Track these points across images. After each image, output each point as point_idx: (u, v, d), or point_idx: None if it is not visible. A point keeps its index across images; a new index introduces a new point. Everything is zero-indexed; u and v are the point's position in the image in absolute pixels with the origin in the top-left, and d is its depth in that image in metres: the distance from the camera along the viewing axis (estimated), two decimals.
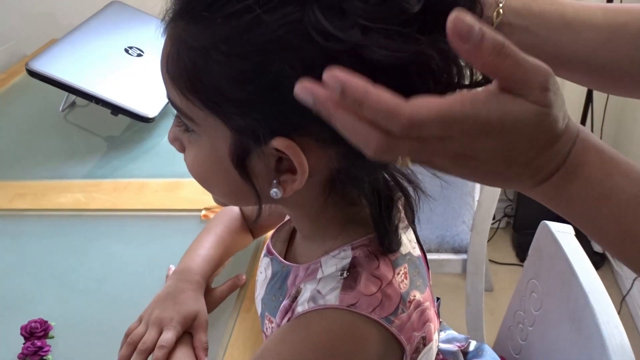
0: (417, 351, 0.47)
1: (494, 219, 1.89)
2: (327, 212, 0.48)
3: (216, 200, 0.50)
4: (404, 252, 0.48)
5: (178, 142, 0.47)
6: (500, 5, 0.49)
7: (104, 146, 1.19)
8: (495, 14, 0.49)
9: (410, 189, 0.49)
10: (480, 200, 1.22)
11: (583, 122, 1.79)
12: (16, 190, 1.01)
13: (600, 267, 1.84)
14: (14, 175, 1.07)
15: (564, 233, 0.74)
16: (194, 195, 0.93)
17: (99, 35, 1.30)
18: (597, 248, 1.84)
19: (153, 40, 1.47)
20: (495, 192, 1.21)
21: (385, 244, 0.46)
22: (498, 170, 0.34)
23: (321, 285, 0.46)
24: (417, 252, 0.51)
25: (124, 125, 1.21)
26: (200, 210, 0.89)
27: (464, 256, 1.28)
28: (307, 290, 0.47)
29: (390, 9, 0.34)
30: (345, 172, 0.43)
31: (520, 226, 1.92)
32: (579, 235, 0.73)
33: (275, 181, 0.41)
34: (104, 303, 0.76)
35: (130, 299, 0.76)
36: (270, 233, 0.61)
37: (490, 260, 1.86)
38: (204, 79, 0.38)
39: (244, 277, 0.75)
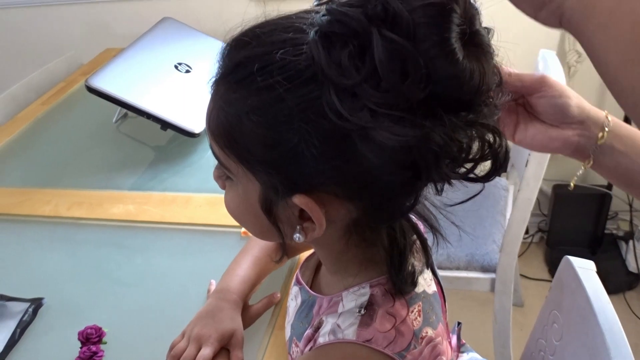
0: None
1: (527, 233, 1.90)
2: (348, 252, 0.52)
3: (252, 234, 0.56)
4: (418, 291, 0.53)
5: (220, 181, 0.53)
6: (607, 129, 0.56)
7: (152, 157, 1.27)
8: (600, 134, 0.56)
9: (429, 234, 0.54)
10: (510, 221, 1.24)
11: None
12: (74, 198, 1.10)
13: (634, 287, 1.83)
14: (71, 184, 1.16)
15: (585, 269, 0.77)
16: None
17: (150, 52, 1.38)
18: (632, 267, 1.82)
19: (201, 57, 1.56)
20: (526, 213, 1.23)
21: (397, 287, 0.51)
22: None
23: (341, 319, 0.51)
24: (432, 288, 0.56)
25: (171, 136, 1.29)
26: (240, 227, 0.96)
27: (492, 275, 1.30)
28: (328, 323, 0.52)
29: (397, 96, 0.38)
30: (363, 221, 0.48)
31: (553, 242, 1.92)
32: (603, 270, 0.76)
33: (298, 227, 0.47)
34: (151, 312, 0.84)
35: (175, 309, 0.83)
36: (303, 254, 0.67)
37: (521, 275, 1.87)
38: (238, 139, 0.44)
39: (278, 295, 0.80)
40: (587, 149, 0.57)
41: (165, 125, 1.20)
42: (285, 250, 0.51)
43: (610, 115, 0.58)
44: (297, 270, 0.65)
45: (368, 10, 0.38)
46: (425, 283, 0.55)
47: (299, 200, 0.44)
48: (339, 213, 0.46)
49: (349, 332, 0.49)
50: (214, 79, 0.46)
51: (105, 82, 1.21)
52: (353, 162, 0.41)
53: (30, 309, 0.84)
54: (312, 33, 0.40)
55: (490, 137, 0.42)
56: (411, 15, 0.37)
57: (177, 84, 1.31)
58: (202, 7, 1.82)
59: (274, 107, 0.41)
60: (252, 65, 0.42)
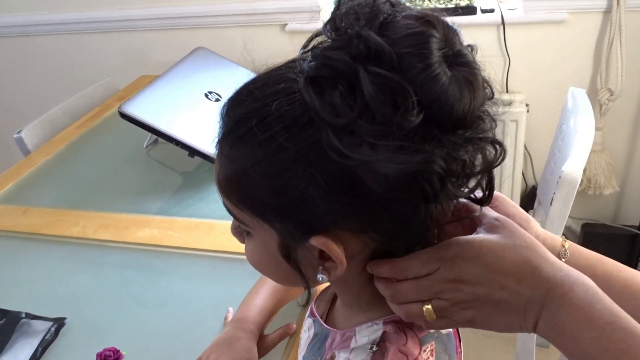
0: None
1: None
2: (367, 286, 0.52)
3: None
4: (432, 330, 0.52)
5: (239, 236, 0.54)
6: (563, 260, 0.53)
7: (179, 183, 1.30)
8: None
9: None
10: None
11: None
12: (102, 221, 1.13)
13: None
14: (100, 206, 1.20)
15: None
16: None
17: (182, 80, 1.43)
18: None
19: (231, 86, 1.59)
20: None
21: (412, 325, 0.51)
22: (493, 294, 0.44)
23: (353, 355, 0.51)
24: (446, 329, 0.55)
25: (199, 163, 1.32)
26: None
27: None
28: (340, 358, 0.52)
29: (393, 126, 0.38)
30: (381, 252, 0.48)
31: None
32: None
33: (320, 268, 0.47)
34: (170, 336, 0.85)
35: (193, 334, 0.84)
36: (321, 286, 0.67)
37: None
38: (248, 192, 0.45)
39: (294, 326, 0.80)
40: None
41: (192, 152, 1.23)
42: (311, 292, 0.51)
43: (567, 242, 0.54)
44: (312, 303, 0.65)
45: (351, 50, 0.39)
46: None
47: (316, 241, 0.44)
48: (357, 248, 0.46)
49: None
50: (217, 139, 0.47)
51: (137, 109, 1.26)
52: (361, 196, 0.42)
53: (53, 328, 0.86)
54: (301, 80, 0.41)
55: (491, 149, 0.43)
56: (393, 48, 0.39)
57: (207, 112, 1.34)
58: (236, 37, 1.88)
59: (277, 157, 0.42)
60: (250, 120, 0.43)
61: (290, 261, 0.47)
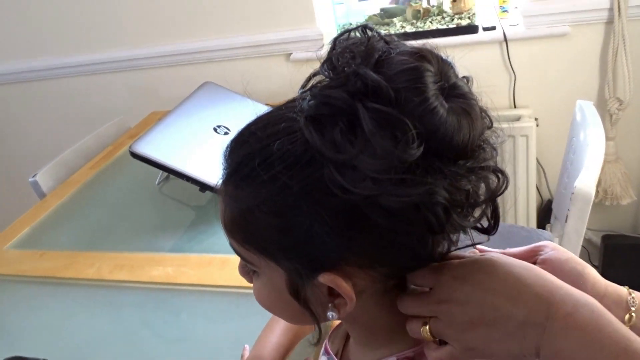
0: None
1: None
2: (378, 321, 0.52)
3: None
4: None
5: (247, 276, 0.54)
6: (632, 309, 0.49)
7: (192, 218, 1.31)
8: (626, 316, 0.49)
9: None
10: None
11: None
12: (116, 261, 1.14)
13: None
14: (115, 246, 1.21)
15: None
16: None
17: (191, 116, 1.45)
18: None
19: (240, 119, 1.60)
20: None
21: None
22: (486, 315, 0.42)
23: None
24: None
25: (211, 197, 1.33)
26: None
27: None
28: None
29: (394, 160, 0.39)
30: (390, 285, 0.48)
31: None
32: None
33: (330, 305, 0.47)
34: None
35: None
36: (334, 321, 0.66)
37: None
38: (254, 232, 0.45)
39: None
40: None
41: (203, 187, 1.24)
42: (321, 330, 0.51)
43: (634, 292, 0.50)
44: (326, 340, 0.64)
45: (349, 87, 0.40)
46: None
47: (324, 279, 0.44)
48: (366, 283, 0.46)
49: None
50: (221, 181, 0.48)
51: (147, 147, 1.27)
52: (366, 230, 0.42)
53: None
54: (302, 119, 0.41)
55: (493, 177, 0.44)
56: (390, 84, 0.39)
57: (216, 146, 1.35)
58: (243, 69, 1.91)
59: (281, 195, 0.42)
60: (253, 161, 0.43)
61: (299, 300, 0.46)
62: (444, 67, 0.42)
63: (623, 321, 0.48)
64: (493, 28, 1.67)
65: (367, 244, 0.43)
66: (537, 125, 1.69)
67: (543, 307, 0.41)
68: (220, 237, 1.18)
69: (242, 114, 1.42)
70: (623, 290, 0.50)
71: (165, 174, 1.43)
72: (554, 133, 1.72)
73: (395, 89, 0.39)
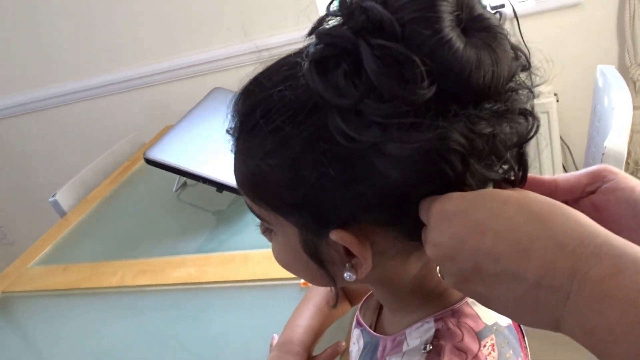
0: None
1: None
2: (407, 284, 0.48)
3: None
4: (489, 323, 0.47)
5: (267, 234, 0.51)
6: None
7: (212, 221, 1.29)
8: None
9: None
10: None
11: None
12: (139, 267, 1.12)
13: None
14: (137, 254, 1.19)
15: None
16: None
17: (202, 120, 1.44)
18: None
19: None
20: None
21: None
22: (485, 268, 0.33)
23: (406, 359, 0.46)
24: (506, 321, 0.50)
25: (229, 200, 1.31)
26: (300, 278, 0.93)
27: None
28: None
29: (402, 102, 0.35)
30: (413, 245, 0.43)
31: None
32: None
33: (347, 265, 0.43)
34: None
35: None
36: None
37: None
38: (263, 187, 0.42)
39: (343, 344, 0.76)
40: None
41: (220, 187, 1.22)
42: (338, 293, 0.47)
43: None
44: (357, 312, 0.61)
45: (352, 24, 0.36)
46: (496, 314, 0.49)
47: (334, 235, 0.41)
48: (386, 242, 0.42)
49: None
50: (230, 135, 0.46)
51: (161, 153, 1.26)
52: (376, 183, 0.38)
53: None
54: (305, 64, 0.38)
55: (521, 120, 0.38)
56: (396, 15, 0.35)
57: (229, 147, 1.34)
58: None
59: (286, 147, 0.39)
60: (260, 109, 0.40)
61: (315, 259, 0.43)
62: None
63: None
64: (502, 6, 1.63)
65: (378, 200, 0.38)
66: (558, 101, 1.64)
67: (567, 264, 0.30)
68: (241, 236, 1.16)
69: None
70: None
71: (182, 180, 1.41)
72: (576, 107, 1.66)
73: (401, 21, 0.35)
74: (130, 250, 1.24)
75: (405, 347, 0.47)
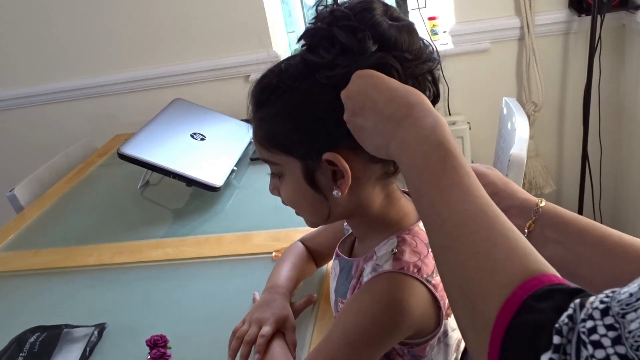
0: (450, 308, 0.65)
1: None
2: (375, 213, 0.68)
3: (307, 223, 0.71)
4: None
5: (276, 190, 0.70)
6: (533, 217, 0.56)
7: (178, 213, 1.42)
8: (528, 224, 0.57)
9: None
10: None
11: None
12: (115, 249, 1.23)
13: None
14: (109, 240, 1.29)
15: None
16: (265, 242, 1.14)
17: (168, 126, 1.58)
18: None
19: (212, 128, 1.80)
20: None
21: None
22: (366, 105, 0.53)
23: (378, 260, 0.66)
24: None
25: (191, 197, 1.45)
26: (271, 252, 1.10)
27: None
28: (368, 267, 0.67)
29: (360, 52, 0.57)
30: (381, 175, 0.65)
31: None
32: None
33: (334, 185, 0.63)
34: (206, 323, 0.95)
35: (221, 321, 0.94)
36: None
37: None
38: (276, 135, 0.64)
39: (315, 295, 0.94)
40: None
41: (190, 182, 1.37)
42: (329, 211, 0.66)
43: (543, 202, 0.57)
44: (336, 248, 0.79)
45: (325, 21, 0.60)
46: None
47: (327, 156, 0.61)
48: (359, 165, 0.62)
49: (386, 266, 0.64)
50: (250, 112, 0.67)
51: (135, 149, 1.39)
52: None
53: (96, 332, 0.95)
54: (300, 51, 0.62)
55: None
56: (350, 11, 0.59)
57: (195, 149, 1.49)
58: (203, 92, 2.06)
59: (291, 100, 0.61)
60: (270, 84, 0.63)
61: (313, 186, 0.64)
62: (389, 7, 0.61)
63: (523, 229, 0.57)
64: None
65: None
66: (470, 128, 1.95)
67: (406, 110, 0.50)
68: (211, 223, 1.31)
69: (213, 123, 1.67)
70: (534, 200, 0.59)
71: (147, 178, 1.54)
72: (485, 132, 1.99)
73: (354, 12, 0.59)
74: (100, 237, 1.32)
75: (375, 257, 0.67)
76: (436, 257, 0.47)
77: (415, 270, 0.63)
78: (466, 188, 0.45)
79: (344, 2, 0.61)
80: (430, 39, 1.98)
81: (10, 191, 1.59)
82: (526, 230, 0.57)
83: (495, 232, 0.41)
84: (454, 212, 0.44)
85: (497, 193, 0.61)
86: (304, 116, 0.61)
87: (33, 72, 2.13)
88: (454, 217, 0.44)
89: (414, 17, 1.96)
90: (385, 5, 0.61)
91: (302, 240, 0.99)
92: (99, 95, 2.15)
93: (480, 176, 0.60)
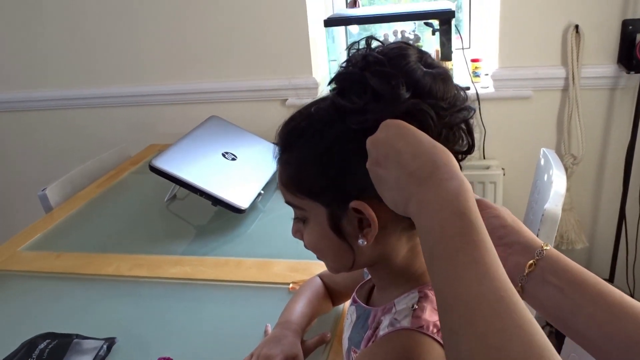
0: None
1: None
2: (398, 264, 0.66)
3: (330, 269, 0.69)
4: None
5: (299, 234, 0.68)
6: (537, 257, 0.54)
7: (201, 231, 1.42)
8: (529, 263, 0.54)
9: None
10: None
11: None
12: (134, 261, 1.23)
13: None
14: (130, 250, 1.30)
15: None
16: (284, 271, 1.12)
17: (201, 143, 1.59)
18: None
19: (244, 148, 1.80)
20: None
21: None
22: (390, 156, 0.51)
23: (397, 315, 0.63)
24: None
25: (216, 215, 1.45)
26: (288, 283, 1.08)
27: None
28: (386, 319, 0.64)
29: (392, 99, 0.55)
30: (407, 225, 0.62)
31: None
32: None
33: (360, 234, 0.61)
34: (214, 347, 0.94)
35: (230, 349, 0.93)
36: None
37: None
38: (303, 180, 0.62)
39: (329, 334, 0.91)
40: (515, 275, 0.55)
41: (216, 202, 1.37)
42: (354, 260, 0.64)
43: (549, 246, 0.56)
44: (354, 294, 0.77)
45: (358, 65, 0.58)
46: None
47: (354, 204, 0.59)
48: (386, 216, 0.60)
49: (405, 322, 0.61)
50: (276, 154, 0.65)
51: (166, 163, 1.40)
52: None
53: (105, 346, 0.95)
54: (331, 95, 0.60)
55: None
56: (384, 57, 0.57)
57: (225, 168, 1.50)
58: (240, 111, 2.07)
59: (320, 145, 0.59)
60: (298, 128, 0.61)
61: (338, 233, 0.61)
62: (423, 53, 0.60)
63: (523, 268, 0.55)
64: (467, 88, 1.92)
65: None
66: (504, 175, 1.91)
67: (431, 169, 0.48)
68: (231, 245, 1.30)
69: (246, 143, 1.67)
70: (539, 242, 0.56)
71: (174, 192, 1.54)
72: (519, 181, 1.94)
73: (388, 58, 0.58)
74: (122, 247, 1.34)
75: (394, 311, 0.65)
76: (444, 339, 0.44)
77: (435, 330, 0.60)
78: (484, 267, 0.43)
79: (378, 46, 0.60)
80: (472, 80, 1.99)
81: (42, 190, 1.62)
82: (526, 270, 0.55)
83: (511, 323, 0.39)
84: (468, 292, 0.42)
85: (505, 227, 0.58)
86: (332, 162, 0.59)
87: (77, 76, 2.19)
88: (467, 299, 0.41)
89: (457, 57, 1.95)
90: (420, 51, 0.60)
91: (320, 276, 0.97)
92: (138, 104, 2.19)
93: (489, 208, 0.59)
